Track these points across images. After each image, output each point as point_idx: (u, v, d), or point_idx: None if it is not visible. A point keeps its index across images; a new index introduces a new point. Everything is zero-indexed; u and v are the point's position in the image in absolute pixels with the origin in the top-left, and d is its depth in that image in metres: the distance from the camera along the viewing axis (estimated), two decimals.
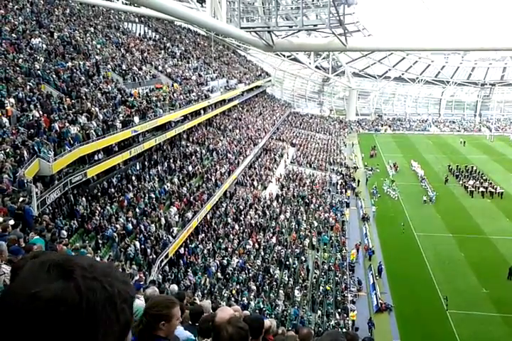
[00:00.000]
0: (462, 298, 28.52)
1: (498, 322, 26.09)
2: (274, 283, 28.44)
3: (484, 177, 51.78)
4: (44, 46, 28.30)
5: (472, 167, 56.38)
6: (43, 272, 0.84)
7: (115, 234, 21.76)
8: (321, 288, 29.28)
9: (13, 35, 26.97)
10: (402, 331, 25.53)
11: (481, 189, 48.39)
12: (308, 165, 56.87)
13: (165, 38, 54.44)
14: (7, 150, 16.61)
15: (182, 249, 26.57)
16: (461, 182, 51.89)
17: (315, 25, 44.53)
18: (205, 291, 23.89)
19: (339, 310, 27.53)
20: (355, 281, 31.26)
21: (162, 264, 22.88)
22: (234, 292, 25.23)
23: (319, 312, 27.16)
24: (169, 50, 50.56)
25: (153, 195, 28.03)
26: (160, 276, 21.82)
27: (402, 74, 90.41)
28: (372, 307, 28.37)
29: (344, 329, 24.49)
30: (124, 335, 0.90)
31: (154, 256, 22.44)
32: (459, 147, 72.56)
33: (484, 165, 58.42)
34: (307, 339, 6.98)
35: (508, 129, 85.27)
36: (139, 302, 6.63)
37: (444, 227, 39.73)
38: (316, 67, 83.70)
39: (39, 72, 24.32)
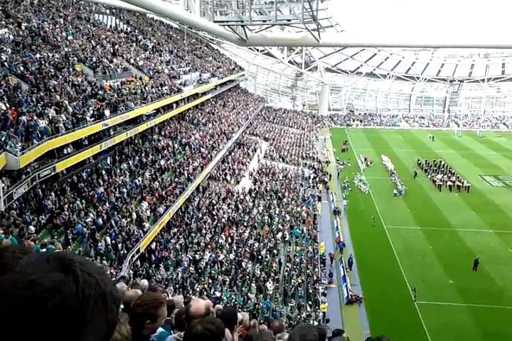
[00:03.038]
0: (430, 288, 29.27)
1: (464, 312, 26.87)
2: (247, 276, 28.59)
3: (452, 172, 53.03)
4: (11, 37, 27.59)
5: (440, 161, 57.65)
6: (43, 263, 0.87)
7: (85, 230, 21.50)
8: (292, 281, 29.56)
9: None
10: (372, 322, 26.05)
11: (449, 183, 49.53)
12: (281, 160, 57.18)
13: (137, 31, 53.71)
14: None
15: (154, 243, 26.45)
16: (429, 176, 52.98)
17: (288, 20, 44.59)
18: (177, 286, 23.85)
19: (310, 302, 27.86)
20: (326, 274, 31.68)
21: (133, 259, 22.74)
22: (206, 286, 25.28)
23: (291, 304, 27.41)
24: (141, 42, 49.91)
25: (124, 190, 27.76)
26: (131, 271, 21.70)
27: (374, 69, 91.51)
28: (343, 299, 28.83)
29: (315, 322, 24.88)
30: (109, 335, 0.92)
31: (125, 252, 22.28)
32: (428, 142, 74.00)
33: (452, 160, 59.84)
34: (279, 332, 7.12)
35: (475, 125, 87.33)
36: None
37: (412, 220, 40.57)
38: (289, 61, 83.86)
39: (6, 63, 23.72)
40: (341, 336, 9.88)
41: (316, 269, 32.12)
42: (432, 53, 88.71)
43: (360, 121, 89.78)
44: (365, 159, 59.97)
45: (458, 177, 50.56)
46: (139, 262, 23.81)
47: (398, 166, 56.74)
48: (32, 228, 16.66)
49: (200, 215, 33.63)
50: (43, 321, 0.80)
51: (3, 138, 18.10)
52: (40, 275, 0.84)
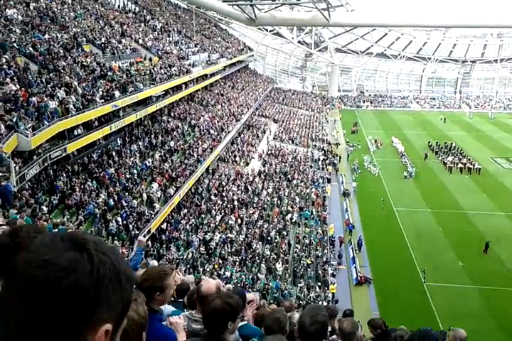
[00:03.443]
0: (439, 271, 29.30)
1: (473, 294, 26.90)
2: (256, 257, 28.78)
3: (463, 154, 52.56)
4: (20, 17, 27.39)
5: (451, 143, 57.09)
6: (58, 242, 0.87)
7: (96, 210, 21.65)
8: (301, 261, 29.73)
9: None
10: (381, 303, 26.18)
11: (460, 165, 49.13)
12: (290, 141, 56.96)
13: (145, 11, 53.12)
14: None
15: (164, 224, 26.63)
16: (440, 158, 52.57)
17: None
18: (188, 266, 24.08)
19: (319, 283, 28.05)
20: (335, 255, 31.81)
21: (144, 240, 22.90)
22: (216, 266, 25.49)
23: (300, 285, 27.62)
24: (149, 23, 49.42)
25: (134, 171, 27.85)
26: (142, 252, 21.87)
27: (385, 50, 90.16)
28: (352, 281, 28.98)
29: (324, 302, 25.09)
30: (124, 313, 0.92)
31: (136, 232, 22.45)
32: (439, 124, 73.23)
33: (463, 142, 59.24)
34: (289, 312, 7.15)
35: (486, 106, 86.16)
36: None
37: (423, 202, 40.42)
38: (299, 42, 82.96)
39: (15, 44, 23.61)
40: (352, 317, 9.93)
41: (325, 250, 32.26)
42: (443, 33, 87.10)
43: (371, 103, 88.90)
44: (375, 141, 59.58)
45: (469, 160, 50.13)
46: (150, 242, 24.01)
47: (408, 148, 56.33)
48: (44, 208, 16.81)
49: (210, 196, 33.73)
50: (57, 300, 0.81)
51: (14, 119, 18.12)
52: (54, 254, 0.85)
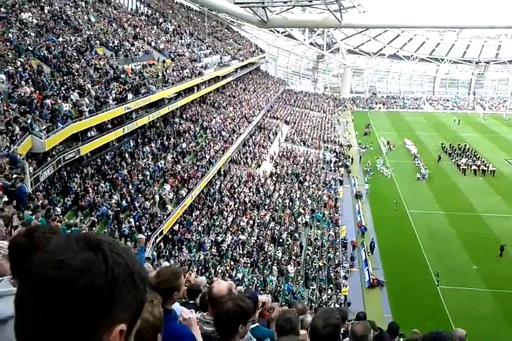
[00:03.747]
0: (453, 274, 29.01)
1: (487, 298, 26.59)
2: (268, 259, 28.75)
3: (477, 156, 52.01)
4: (34, 21, 27.72)
5: (465, 145, 56.54)
6: (72, 243, 0.88)
7: (109, 211, 21.80)
8: (313, 264, 29.63)
9: (2, 9, 26.35)
10: (394, 306, 25.99)
11: (474, 167, 48.67)
12: (302, 143, 56.86)
13: (157, 13, 53.46)
14: None
15: (177, 225, 26.73)
16: (453, 160, 52.12)
17: (310, 1, 43.95)
18: (200, 267, 24.12)
19: (331, 285, 27.93)
20: (347, 257, 31.66)
21: (157, 241, 23.03)
22: (228, 268, 25.50)
23: (312, 287, 27.53)
24: (162, 25, 49.72)
25: (147, 173, 28.00)
26: (155, 253, 21.98)
27: (397, 51, 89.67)
28: (365, 283, 28.82)
29: (336, 305, 24.96)
30: (138, 314, 0.92)
31: (149, 233, 22.54)
32: (453, 125, 72.60)
33: (477, 144, 58.61)
34: (301, 314, 7.13)
35: (501, 108, 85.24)
36: None
37: (436, 205, 40.09)
38: (311, 43, 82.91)
39: (29, 47, 23.89)
40: (365, 320, 9.87)
41: (338, 253, 32.12)
42: (457, 34, 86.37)
43: (383, 104, 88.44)
44: (388, 142, 59.24)
45: (483, 162, 49.62)
46: (162, 244, 24.12)
47: (421, 150, 55.92)
48: (58, 209, 16.94)
49: (222, 198, 33.78)
50: (72, 301, 0.81)
51: (28, 122, 18.32)
52: (69, 255, 0.85)
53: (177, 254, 24.15)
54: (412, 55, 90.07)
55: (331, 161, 51.64)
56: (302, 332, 4.44)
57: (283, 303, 20.71)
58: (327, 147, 57.24)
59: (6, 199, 12.05)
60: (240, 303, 2.79)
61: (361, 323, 4.77)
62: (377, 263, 30.91)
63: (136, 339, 1.69)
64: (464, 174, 48.35)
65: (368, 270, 29.58)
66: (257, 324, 3.98)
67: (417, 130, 68.26)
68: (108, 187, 23.91)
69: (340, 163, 51.26)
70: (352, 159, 53.26)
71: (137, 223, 22.64)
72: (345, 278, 29.29)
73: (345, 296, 27.13)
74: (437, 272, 28.25)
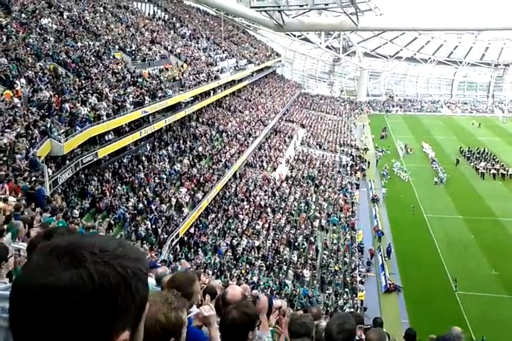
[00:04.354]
0: (472, 279, 28.56)
1: (507, 304, 26.12)
2: (284, 263, 28.67)
3: (496, 159, 51.29)
4: (54, 26, 28.16)
5: (484, 149, 55.80)
6: (53, 260, 0.82)
7: (126, 214, 21.98)
8: (329, 268, 29.47)
9: (23, 15, 26.83)
10: (411, 311, 25.70)
11: (493, 171, 47.97)
12: (318, 147, 56.69)
13: (174, 18, 53.91)
14: (19, 131, 16.68)
15: (192, 228, 26.83)
16: (472, 163, 51.45)
17: (326, 4, 43.83)
18: (215, 270, 24.15)
19: (347, 290, 27.74)
20: (364, 262, 31.42)
21: (173, 243, 23.14)
22: (243, 271, 25.49)
23: (328, 291, 27.37)
24: (178, 30, 50.11)
25: (163, 176, 28.18)
26: (171, 255, 22.09)
27: (414, 54, 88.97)
28: (381, 288, 28.56)
29: (352, 309, 24.76)
30: (141, 312, 0.90)
31: (165, 236, 22.67)
32: (471, 128, 71.71)
33: (496, 147, 57.74)
34: (317, 319, 7.09)
35: None
36: (150, 281, 6.73)
37: (454, 209, 39.60)
38: (327, 47, 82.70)
39: (49, 52, 24.27)
40: (382, 326, 9.76)
41: (354, 257, 31.89)
42: (475, 36, 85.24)
43: (400, 107, 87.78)
44: (405, 146, 58.73)
45: (502, 165, 48.89)
46: (178, 246, 24.23)
47: (439, 153, 55.34)
48: (76, 212, 17.13)
49: (237, 201, 33.83)
50: (64, 324, 0.77)
51: (47, 125, 18.58)
52: (52, 277, 0.79)
53: (193, 257, 24.22)
54: (429, 58, 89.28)
55: (347, 165, 51.39)
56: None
57: (298, 307, 20.65)
58: (343, 150, 57.00)
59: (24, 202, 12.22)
60: (246, 310, 2.76)
61: (376, 330, 4.72)
62: (394, 268, 30.62)
63: (144, 339, 1.70)
64: (482, 178, 47.70)
65: (384, 275, 29.31)
66: (271, 328, 4.01)
67: (435, 133, 67.59)
68: (125, 190, 24.13)
69: (356, 167, 50.96)
70: (368, 163, 52.91)
71: (153, 226, 22.80)
72: (362, 282, 29.06)
73: (362, 301, 26.91)
74: (455, 277, 27.87)
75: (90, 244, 0.86)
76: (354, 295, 27.31)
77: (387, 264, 30.66)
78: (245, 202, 34.12)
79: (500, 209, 38.90)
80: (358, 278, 29.26)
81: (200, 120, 41.90)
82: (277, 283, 26.09)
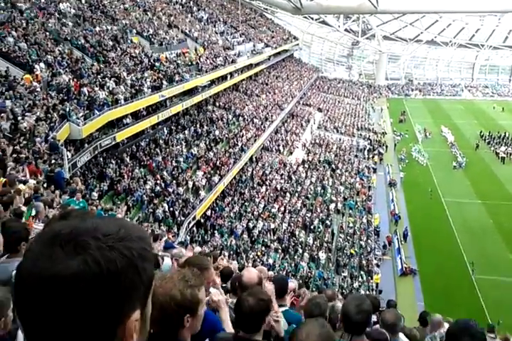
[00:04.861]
0: (489, 263, 28.43)
1: None
2: (299, 245, 28.91)
3: None
4: (72, 11, 28.36)
5: (504, 133, 54.86)
6: (57, 249, 0.80)
7: (144, 197, 22.35)
8: (345, 251, 29.65)
9: (42, 0, 27.06)
10: (426, 295, 25.77)
11: None
12: (335, 131, 56.41)
13: (191, 2, 53.66)
14: (38, 114, 17.02)
15: (209, 211, 27.17)
16: (492, 148, 50.72)
17: None
18: (232, 252, 24.51)
19: (363, 272, 27.91)
20: (380, 245, 31.51)
21: (190, 226, 23.51)
22: (259, 253, 25.81)
23: (343, 274, 27.59)
24: (196, 13, 49.94)
25: (180, 159, 28.47)
26: (188, 237, 22.46)
27: (435, 37, 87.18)
28: (397, 271, 28.66)
29: (367, 292, 24.97)
30: (149, 290, 0.90)
31: (182, 218, 23.03)
32: (492, 112, 70.38)
33: None
34: (333, 299, 7.25)
35: None
36: (167, 261, 6.94)
37: (473, 193, 39.24)
38: (346, 30, 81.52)
39: (68, 36, 24.52)
40: (395, 308, 9.85)
41: (370, 241, 31.97)
42: (498, 19, 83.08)
43: (420, 91, 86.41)
44: (424, 130, 58.06)
45: None
46: (195, 228, 24.60)
47: (459, 138, 54.60)
48: (95, 194, 17.50)
49: (254, 185, 34.05)
50: (74, 313, 0.77)
51: (66, 109, 18.91)
52: (58, 266, 0.78)
53: (209, 239, 24.59)
54: (450, 41, 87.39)
55: (364, 149, 51.12)
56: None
57: (313, 289, 20.91)
58: (360, 134, 56.61)
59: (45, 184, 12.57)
60: (261, 297, 2.76)
61: (391, 311, 4.81)
62: (410, 251, 30.63)
63: (160, 315, 1.76)
64: (502, 162, 47.04)
65: (400, 258, 29.37)
66: (287, 308, 4.04)
67: (455, 117, 66.54)
68: (143, 173, 24.49)
69: (374, 151, 50.68)
70: (386, 147, 52.54)
71: (171, 208, 23.16)
72: (377, 265, 29.20)
73: (377, 284, 27.09)
74: (473, 262, 27.80)
75: (92, 228, 0.84)
76: (370, 278, 27.49)
77: (403, 248, 30.68)
78: (261, 186, 34.33)
79: None
80: (374, 261, 29.40)
81: (217, 104, 41.99)
82: (293, 265, 26.37)
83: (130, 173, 23.72)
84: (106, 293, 0.79)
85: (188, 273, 2.02)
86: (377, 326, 4.76)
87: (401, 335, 4.66)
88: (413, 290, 26.74)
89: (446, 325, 7.82)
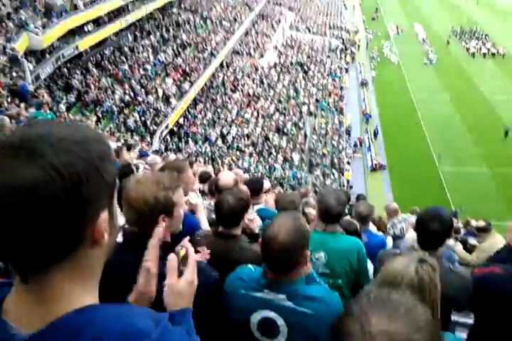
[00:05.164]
0: (454, 155, 29.81)
1: (487, 178, 27.63)
2: (273, 149, 29.63)
3: (487, 38, 50.05)
4: None
5: (476, 27, 54.05)
6: (10, 158, 0.75)
7: (113, 107, 22.21)
8: (317, 151, 30.56)
9: None
10: (395, 188, 27.28)
11: (483, 50, 47.14)
12: (307, 31, 54.71)
13: None
14: None
15: (182, 119, 27.25)
16: (463, 43, 50.31)
17: None
18: (207, 158, 25.09)
19: (334, 170, 29.07)
20: (351, 144, 32.50)
21: (163, 134, 23.73)
22: (234, 158, 26.49)
23: (316, 173, 28.73)
24: None
25: (148, 67, 27.81)
26: (162, 146, 22.81)
27: None
28: (367, 168, 29.97)
29: (338, 187, 26.27)
30: (113, 190, 0.88)
31: (155, 127, 23.17)
32: (466, 7, 68.38)
33: (490, 26, 55.86)
34: (306, 196, 7.76)
35: None
36: (142, 169, 7.29)
37: (442, 88, 39.81)
38: None
39: None
40: (365, 200, 10.51)
41: (341, 140, 32.86)
42: None
43: None
44: (397, 27, 56.81)
45: (493, 44, 47.88)
46: (168, 137, 24.86)
47: (431, 34, 53.77)
48: (62, 106, 17.38)
49: (226, 91, 33.79)
50: (42, 220, 0.75)
51: (22, 18, 18.00)
52: (16, 177, 0.73)
53: (184, 147, 24.98)
54: None
55: (336, 48, 50.18)
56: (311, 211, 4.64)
57: (287, 189, 21.96)
58: (333, 34, 55.14)
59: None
60: (241, 196, 2.80)
61: (365, 203, 5.07)
62: (380, 148, 31.80)
63: (136, 217, 1.79)
64: (472, 57, 47.07)
65: (370, 155, 30.55)
66: (262, 205, 4.30)
67: (427, 13, 64.75)
68: (110, 83, 24.03)
69: (346, 50, 49.85)
70: (358, 46, 51.65)
71: (142, 118, 23.16)
72: (348, 163, 30.40)
73: (348, 180, 28.43)
74: (440, 154, 29.07)
75: (45, 134, 0.78)
76: (341, 175, 28.76)
77: (373, 145, 31.76)
78: (233, 92, 34.08)
79: (489, 87, 39.06)
80: (345, 160, 30.54)
81: (183, 6, 39.94)
82: (267, 167, 27.26)
83: (97, 83, 23.24)
84: (69, 198, 0.76)
85: (163, 175, 1.94)
86: (348, 217, 5.21)
87: (371, 224, 5.12)
88: (382, 184, 28.24)
89: (404, 214, 8.62)
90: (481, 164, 29.10)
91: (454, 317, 3.33)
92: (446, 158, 29.34)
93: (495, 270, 2.80)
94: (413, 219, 8.17)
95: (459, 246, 6.14)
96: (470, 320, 3.28)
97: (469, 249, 6.60)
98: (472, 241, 7.32)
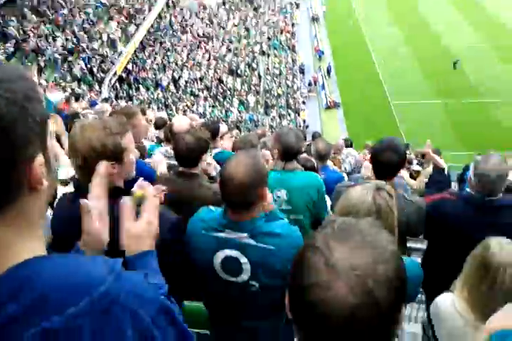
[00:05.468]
0: (406, 89, 30.21)
1: (439, 109, 28.30)
2: (228, 92, 29.18)
3: None
4: None
5: None
6: None
7: (56, 55, 21.06)
8: (272, 92, 30.33)
9: None
10: (349, 124, 27.70)
11: None
12: None
13: None
14: None
15: (130, 65, 26.22)
16: None
17: None
18: (160, 105, 24.55)
19: (290, 111, 29.10)
20: (305, 83, 32.33)
21: (112, 82, 22.87)
22: (189, 103, 26.01)
23: (272, 114, 28.69)
24: None
25: (89, 10, 26.20)
26: (112, 94, 22.06)
27: None
28: (322, 106, 30.09)
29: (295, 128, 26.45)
30: (45, 133, 0.81)
31: (102, 75, 22.26)
32: None
33: None
34: (264, 136, 7.80)
35: None
36: (91, 118, 7.06)
37: (392, 20, 39.55)
38: None
39: None
40: (321, 137, 10.68)
41: (295, 79, 32.61)
42: None
43: None
44: None
45: None
46: (118, 84, 23.99)
47: None
48: (1, 57, 16.37)
49: (174, 32, 32.48)
50: None
51: None
52: None
53: (135, 94, 24.26)
54: None
55: None
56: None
57: (244, 132, 21.91)
58: None
59: None
60: (199, 135, 2.78)
61: (323, 141, 5.00)
62: (334, 86, 31.81)
63: (84, 164, 1.69)
64: None
65: (325, 93, 30.58)
66: (220, 149, 4.30)
67: None
68: (50, 30, 22.60)
69: None
70: None
71: (88, 65, 22.12)
72: (304, 103, 30.41)
73: (304, 120, 28.57)
74: (390, 88, 29.47)
75: None
76: (297, 115, 28.84)
77: (327, 83, 31.72)
78: (182, 33, 32.81)
79: (439, 20, 39.00)
80: (300, 99, 30.50)
81: None
82: (223, 111, 26.96)
83: (36, 30, 21.81)
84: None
85: (110, 120, 1.83)
86: (304, 154, 5.27)
87: (329, 162, 5.18)
88: (337, 121, 28.58)
89: (351, 149, 8.81)
90: (433, 96, 29.64)
91: (409, 243, 3.50)
92: (398, 91, 29.78)
93: (445, 196, 2.93)
94: (355, 152, 8.43)
95: (406, 174, 6.35)
96: (424, 246, 3.45)
97: (413, 175, 6.89)
98: (415, 167, 7.63)
